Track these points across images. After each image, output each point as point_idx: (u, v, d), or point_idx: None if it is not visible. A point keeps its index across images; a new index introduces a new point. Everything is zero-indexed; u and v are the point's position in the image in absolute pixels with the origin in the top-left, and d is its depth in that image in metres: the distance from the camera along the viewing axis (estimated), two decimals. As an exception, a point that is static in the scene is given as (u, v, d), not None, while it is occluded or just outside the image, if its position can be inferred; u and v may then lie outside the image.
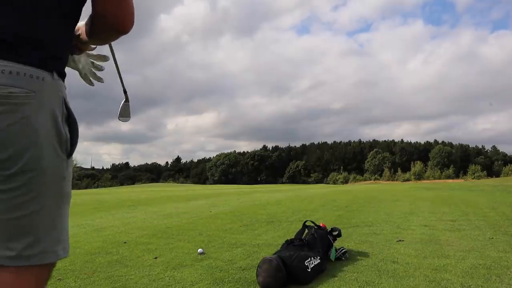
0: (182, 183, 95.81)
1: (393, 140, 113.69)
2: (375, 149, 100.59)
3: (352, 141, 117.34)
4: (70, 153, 0.89)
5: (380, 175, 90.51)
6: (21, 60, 0.79)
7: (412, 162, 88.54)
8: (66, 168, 0.89)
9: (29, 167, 0.80)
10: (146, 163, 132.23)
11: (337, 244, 3.24)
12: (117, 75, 1.37)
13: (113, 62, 1.29)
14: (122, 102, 1.43)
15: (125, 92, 1.43)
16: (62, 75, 0.89)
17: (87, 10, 0.95)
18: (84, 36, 1.03)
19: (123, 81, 1.41)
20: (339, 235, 3.34)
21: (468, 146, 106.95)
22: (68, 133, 0.87)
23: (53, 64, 0.85)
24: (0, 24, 0.78)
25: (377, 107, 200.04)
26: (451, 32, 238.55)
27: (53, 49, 0.86)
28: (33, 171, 0.80)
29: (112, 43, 1.19)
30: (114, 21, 0.92)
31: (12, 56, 0.78)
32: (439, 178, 78.48)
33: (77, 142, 0.92)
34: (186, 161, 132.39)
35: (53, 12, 0.84)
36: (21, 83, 0.78)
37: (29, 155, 0.79)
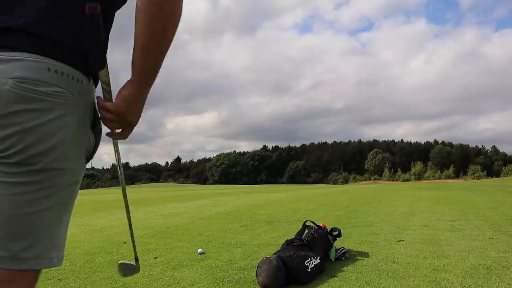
0: (182, 183, 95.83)
1: (393, 140, 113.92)
2: (375, 149, 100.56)
3: (352, 141, 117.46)
4: (89, 158, 0.89)
5: (380, 175, 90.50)
6: (65, 60, 0.80)
7: (412, 162, 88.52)
8: (81, 173, 0.88)
9: (53, 166, 0.79)
10: (146, 163, 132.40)
11: (337, 244, 3.24)
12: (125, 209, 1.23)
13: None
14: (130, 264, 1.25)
15: (136, 260, 1.25)
16: (96, 81, 0.90)
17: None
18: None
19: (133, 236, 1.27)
20: (339, 235, 3.34)
21: (468, 146, 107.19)
22: (94, 138, 0.88)
23: (91, 68, 0.86)
24: (43, 22, 0.79)
25: (378, 107, 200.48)
26: (454, 31, 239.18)
27: (92, 54, 0.86)
28: (56, 170, 0.80)
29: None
30: (157, 10, 0.83)
31: (58, 55, 0.79)
32: (439, 178, 78.50)
33: (98, 145, 0.91)
34: (186, 161, 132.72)
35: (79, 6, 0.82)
36: (63, 83, 0.79)
37: (57, 154, 0.79)
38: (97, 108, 0.89)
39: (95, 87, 0.90)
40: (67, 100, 0.79)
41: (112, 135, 0.98)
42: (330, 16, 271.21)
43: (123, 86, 0.91)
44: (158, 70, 0.91)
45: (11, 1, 0.80)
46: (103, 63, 0.89)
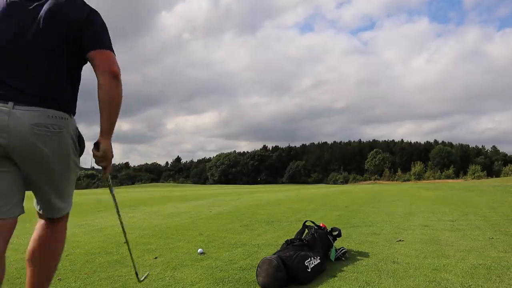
0: (182, 183, 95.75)
1: (393, 140, 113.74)
2: (375, 149, 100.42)
3: (352, 141, 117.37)
4: (80, 154, 1.73)
5: (380, 175, 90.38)
6: (57, 107, 1.56)
7: (412, 162, 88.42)
8: (78, 162, 1.73)
9: (62, 163, 1.63)
10: (146, 163, 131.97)
11: (337, 244, 3.24)
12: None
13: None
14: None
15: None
16: (74, 114, 1.67)
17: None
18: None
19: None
20: (339, 235, 3.34)
21: (468, 146, 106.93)
22: (79, 146, 1.70)
23: (71, 109, 1.64)
24: (46, 89, 1.55)
25: (379, 107, 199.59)
26: (456, 30, 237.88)
27: (71, 102, 1.66)
28: (64, 164, 1.64)
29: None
30: (100, 65, 1.60)
31: (53, 106, 1.54)
32: (439, 178, 78.39)
33: (84, 150, 1.73)
34: (186, 161, 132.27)
35: (68, 79, 1.64)
36: (58, 122, 1.55)
37: (63, 158, 1.61)
38: (78, 129, 1.71)
39: (73, 118, 1.66)
40: (61, 130, 1.57)
41: (104, 171, 1.73)
42: (331, 15, 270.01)
43: (99, 140, 1.62)
44: (115, 124, 1.67)
45: (25, 73, 1.52)
46: (75, 105, 1.69)
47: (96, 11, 1.67)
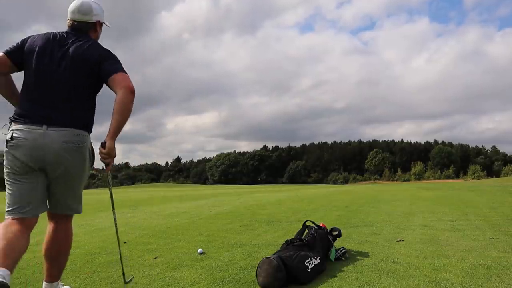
0: (182, 183, 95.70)
1: (393, 140, 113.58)
2: (375, 149, 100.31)
3: (352, 141, 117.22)
4: (91, 164, 2.14)
5: (380, 175, 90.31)
6: (80, 127, 2.03)
7: (412, 162, 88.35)
8: (89, 170, 2.15)
9: (82, 171, 2.08)
10: (146, 163, 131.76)
11: (337, 244, 3.24)
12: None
13: None
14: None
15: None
16: (91, 132, 2.13)
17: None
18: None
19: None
20: (339, 235, 3.34)
21: (468, 146, 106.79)
22: (93, 156, 2.13)
23: (89, 129, 2.11)
24: (71, 114, 2.01)
25: (379, 107, 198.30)
26: (457, 30, 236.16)
27: (90, 123, 2.12)
28: (82, 172, 2.08)
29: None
30: (121, 82, 2.00)
31: (77, 127, 2.01)
32: (439, 178, 78.31)
33: (94, 161, 2.15)
34: (186, 161, 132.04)
35: (88, 106, 2.11)
36: (82, 139, 2.02)
37: (83, 167, 2.07)
38: (95, 151, 2.09)
39: (89, 136, 2.12)
40: (83, 145, 2.03)
41: (106, 167, 2.03)
42: (332, 15, 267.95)
43: (106, 140, 1.96)
44: (121, 129, 2.02)
45: (55, 101, 1.99)
46: (92, 126, 2.14)
47: (109, 50, 2.14)
